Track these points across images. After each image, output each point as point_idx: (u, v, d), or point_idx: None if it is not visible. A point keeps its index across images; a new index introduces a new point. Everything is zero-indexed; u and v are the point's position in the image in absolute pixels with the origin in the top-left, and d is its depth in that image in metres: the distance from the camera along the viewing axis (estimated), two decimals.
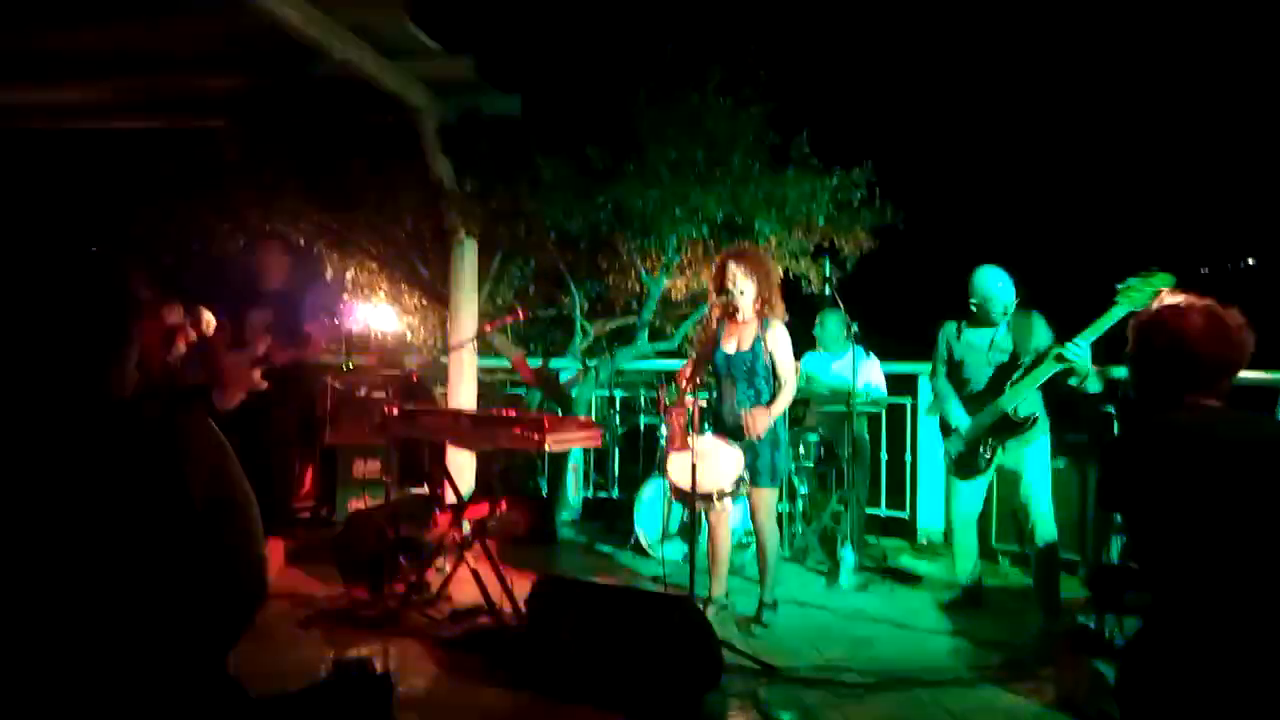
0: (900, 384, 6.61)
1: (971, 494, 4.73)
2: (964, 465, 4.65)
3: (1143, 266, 3.98)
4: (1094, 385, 4.31)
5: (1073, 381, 4.28)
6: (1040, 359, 4.33)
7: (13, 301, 1.60)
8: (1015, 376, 4.41)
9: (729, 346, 4.50)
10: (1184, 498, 1.99)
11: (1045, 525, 4.48)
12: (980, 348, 4.59)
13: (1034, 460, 4.50)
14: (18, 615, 1.48)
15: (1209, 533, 1.96)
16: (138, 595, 1.52)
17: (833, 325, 6.22)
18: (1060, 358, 4.20)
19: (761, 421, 4.30)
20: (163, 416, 1.61)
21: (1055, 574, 4.53)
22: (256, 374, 5.31)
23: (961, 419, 4.62)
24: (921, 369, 6.53)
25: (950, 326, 4.77)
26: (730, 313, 4.51)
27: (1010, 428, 4.46)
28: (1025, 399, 4.40)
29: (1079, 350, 4.13)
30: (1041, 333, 4.42)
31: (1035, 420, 4.40)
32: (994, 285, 4.54)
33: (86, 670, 1.49)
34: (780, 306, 4.53)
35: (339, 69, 5.62)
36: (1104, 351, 4.06)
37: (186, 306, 7.72)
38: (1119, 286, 4.01)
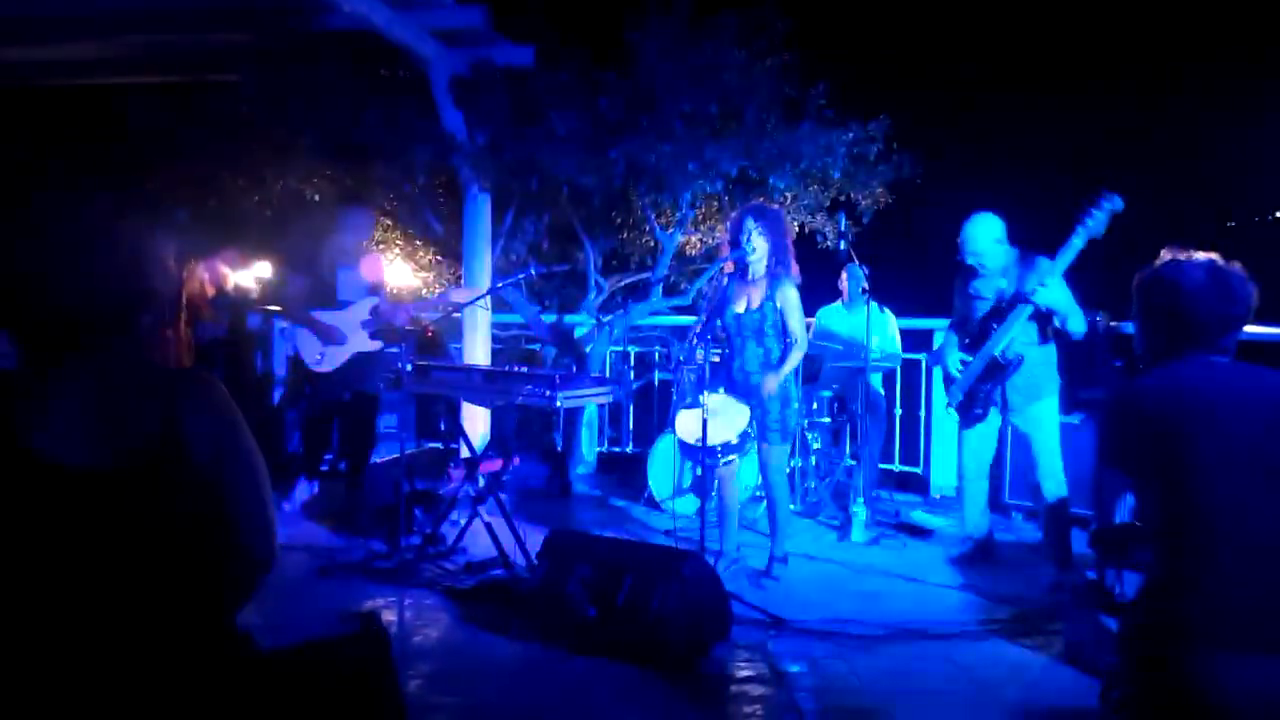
0: (916, 340, 6.59)
1: (980, 445, 4.73)
2: (965, 412, 4.70)
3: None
4: (1076, 325, 4.32)
5: (1056, 323, 4.33)
6: (1015, 300, 4.35)
7: (42, 254, 1.60)
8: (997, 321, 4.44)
9: (739, 305, 4.48)
10: (1184, 454, 1.99)
11: (1054, 481, 4.49)
12: (986, 297, 4.57)
13: (1042, 417, 4.50)
14: (20, 572, 1.51)
15: (1209, 489, 1.96)
16: (138, 551, 1.55)
17: (849, 280, 6.20)
18: (1027, 297, 4.26)
19: (771, 382, 4.31)
20: (168, 376, 1.63)
21: (1065, 529, 4.54)
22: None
23: (954, 368, 4.67)
24: (937, 324, 6.51)
25: (959, 278, 4.74)
26: (741, 270, 4.49)
27: (1000, 370, 4.47)
28: (1010, 341, 4.41)
29: (1043, 287, 4.18)
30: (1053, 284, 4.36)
31: (1021, 360, 4.41)
32: (972, 232, 4.50)
33: (90, 626, 1.52)
34: (794, 267, 4.49)
35: (349, 21, 5.58)
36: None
37: (205, 261, 7.77)
38: (1079, 215, 4.05)
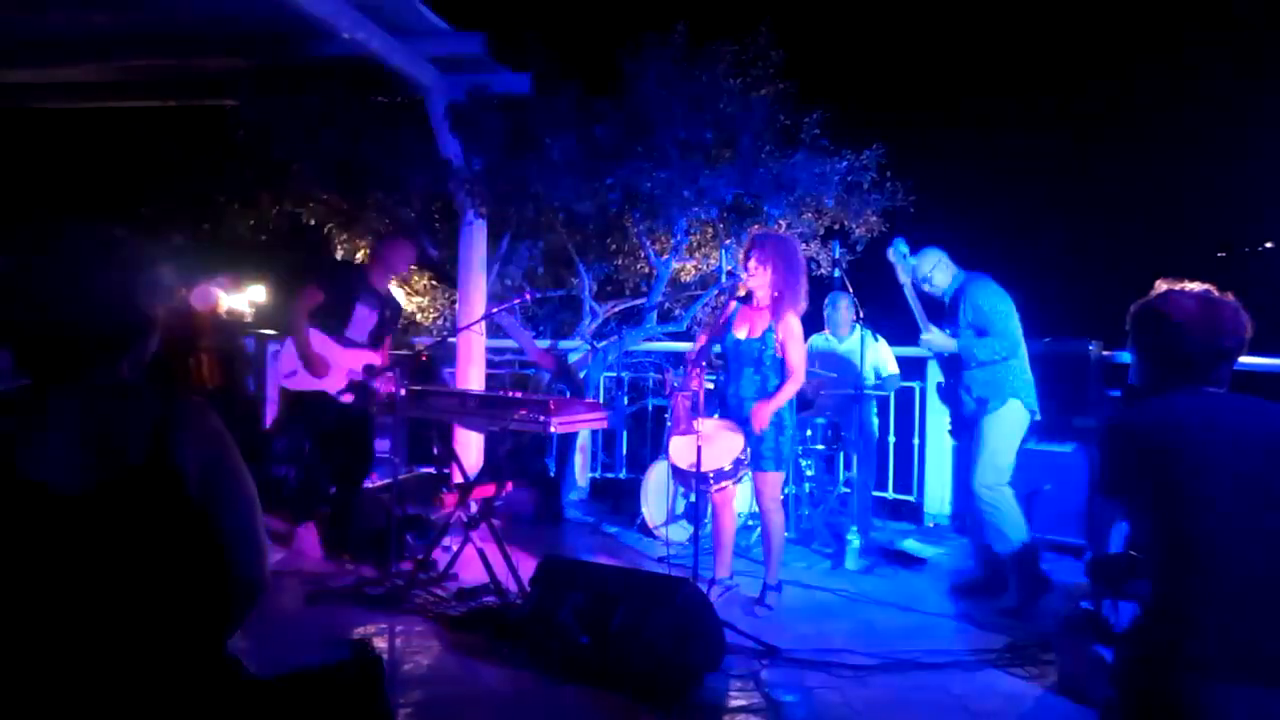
0: (910, 368, 6.59)
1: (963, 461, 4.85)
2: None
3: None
4: (968, 357, 4.57)
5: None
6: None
7: (38, 278, 1.59)
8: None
9: (740, 332, 4.48)
10: (1179, 484, 1.98)
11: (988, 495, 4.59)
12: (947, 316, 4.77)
13: (986, 427, 4.58)
14: (7, 596, 1.49)
15: (1205, 519, 1.95)
16: (128, 576, 1.53)
17: (841, 308, 6.22)
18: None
19: (763, 415, 4.29)
20: (160, 400, 1.62)
21: (1026, 555, 4.50)
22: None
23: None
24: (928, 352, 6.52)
25: None
26: (749, 295, 4.49)
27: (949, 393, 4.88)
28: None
29: (929, 336, 4.65)
30: (975, 302, 4.61)
31: (941, 384, 4.94)
32: (918, 266, 4.86)
33: (78, 652, 1.50)
34: (800, 302, 4.46)
35: (348, 48, 5.62)
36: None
37: (199, 285, 7.77)
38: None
